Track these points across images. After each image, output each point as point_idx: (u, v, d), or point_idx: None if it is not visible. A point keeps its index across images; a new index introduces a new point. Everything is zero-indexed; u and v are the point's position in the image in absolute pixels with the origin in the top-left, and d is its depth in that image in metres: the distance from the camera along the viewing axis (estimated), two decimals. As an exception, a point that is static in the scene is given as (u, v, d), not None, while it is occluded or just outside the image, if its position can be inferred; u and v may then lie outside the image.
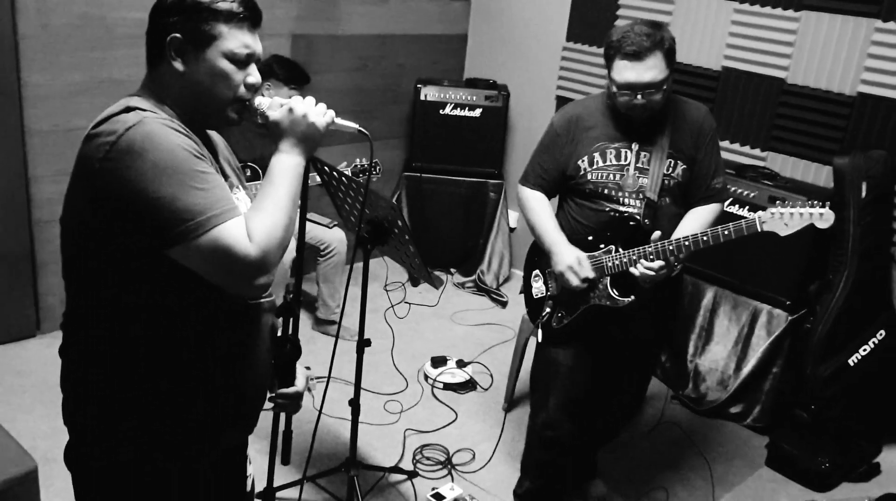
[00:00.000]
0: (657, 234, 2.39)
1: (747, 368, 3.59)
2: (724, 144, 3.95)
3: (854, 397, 3.35)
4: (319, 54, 4.47)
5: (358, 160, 3.84)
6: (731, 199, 3.56)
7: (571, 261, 2.51)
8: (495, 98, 4.72)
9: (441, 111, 4.73)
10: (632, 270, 2.41)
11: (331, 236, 3.99)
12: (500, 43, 4.99)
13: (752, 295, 3.61)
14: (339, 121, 1.62)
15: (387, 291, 4.70)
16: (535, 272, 2.75)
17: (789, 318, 3.48)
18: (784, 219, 2.26)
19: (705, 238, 2.34)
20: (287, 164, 1.52)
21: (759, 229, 2.29)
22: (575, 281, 2.50)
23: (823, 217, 2.23)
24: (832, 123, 3.56)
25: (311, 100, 1.59)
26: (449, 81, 4.89)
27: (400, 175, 4.94)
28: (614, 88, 2.40)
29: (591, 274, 2.49)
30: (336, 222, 4.02)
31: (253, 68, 1.55)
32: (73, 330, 1.56)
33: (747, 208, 3.54)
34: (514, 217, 5.01)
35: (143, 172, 1.34)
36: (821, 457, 3.23)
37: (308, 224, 3.96)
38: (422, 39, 4.96)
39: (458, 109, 4.73)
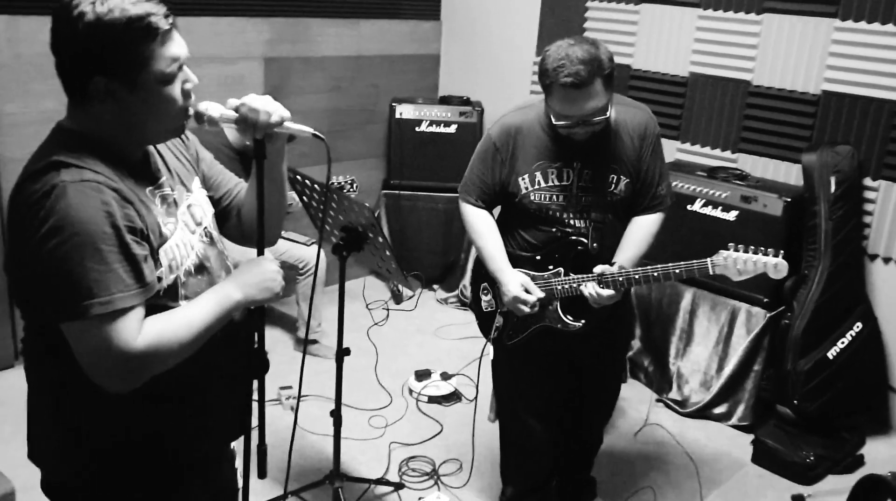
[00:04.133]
0: (605, 268, 2.34)
1: (729, 367, 3.61)
2: (695, 148, 4.01)
3: (836, 390, 3.37)
4: (293, 77, 4.51)
5: (335, 178, 3.85)
6: (703, 200, 3.61)
7: (517, 291, 2.41)
8: (470, 114, 4.77)
9: (417, 129, 4.77)
10: (582, 288, 2.36)
11: (309, 254, 3.99)
12: (472, 61, 5.06)
13: (729, 295, 3.63)
14: (290, 125, 1.59)
15: (369, 309, 4.70)
16: (483, 285, 2.66)
17: (767, 315, 3.51)
18: (737, 265, 2.21)
19: (655, 274, 2.29)
20: (228, 296, 1.51)
21: (711, 272, 2.25)
22: (525, 309, 2.42)
23: (777, 268, 2.17)
24: (799, 121, 3.62)
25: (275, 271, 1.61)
26: (423, 98, 4.94)
27: (379, 194, 4.97)
28: (553, 118, 2.29)
29: (540, 295, 2.43)
30: (314, 240, 4.03)
31: (186, 71, 1.46)
32: (27, 358, 1.56)
33: (720, 208, 3.58)
34: (493, 232, 5.03)
35: (49, 245, 1.30)
36: (805, 451, 3.24)
37: (286, 243, 4.01)
38: (395, 60, 5.01)
39: (434, 125, 4.77)
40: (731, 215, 3.55)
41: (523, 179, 2.43)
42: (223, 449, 1.83)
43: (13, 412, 3.39)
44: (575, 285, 2.39)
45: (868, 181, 3.46)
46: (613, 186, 2.42)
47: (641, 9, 4.10)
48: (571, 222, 2.43)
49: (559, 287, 2.43)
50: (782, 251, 2.20)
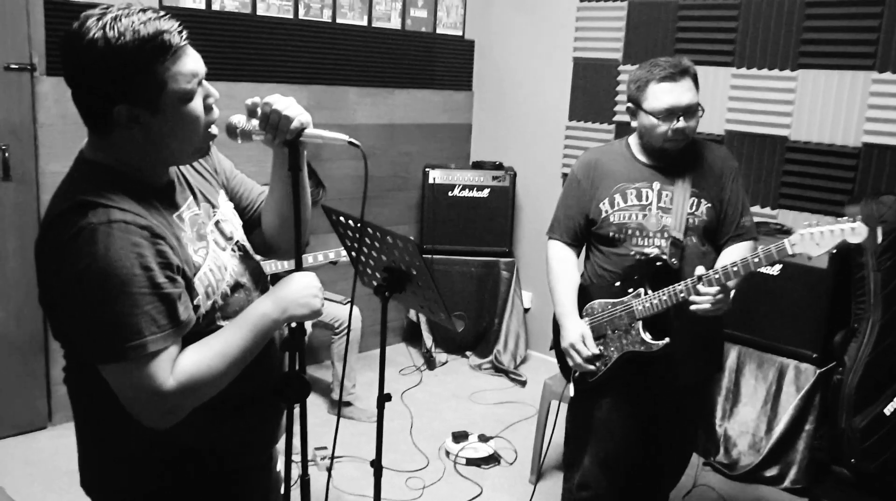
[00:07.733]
0: (700, 269, 2.31)
1: (779, 428, 3.46)
2: (734, 205, 3.97)
3: (895, 449, 3.21)
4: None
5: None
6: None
7: (574, 339, 2.46)
8: (502, 178, 4.79)
9: (449, 193, 4.79)
10: (692, 298, 2.31)
11: (345, 313, 3.94)
12: (504, 129, 5.12)
13: (776, 351, 3.51)
14: (311, 131, 1.56)
15: (411, 371, 4.64)
16: None
17: (818, 371, 3.38)
18: (815, 239, 2.16)
19: (735, 268, 2.25)
20: (264, 316, 1.46)
21: (790, 252, 2.21)
22: (577, 360, 2.46)
23: (856, 231, 2.12)
24: (839, 175, 3.58)
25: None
26: (456, 164, 4.98)
27: (412, 260, 4.95)
28: (651, 119, 2.38)
29: (595, 351, 2.45)
30: (349, 299, 3.99)
31: (206, 86, 1.42)
32: (70, 388, 1.53)
33: (763, 262, 3.50)
34: (528, 297, 4.98)
35: (80, 290, 1.29)
36: (867, 513, 3.07)
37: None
38: (428, 128, 5.09)
39: (467, 190, 4.79)
40: (775, 270, 3.48)
41: (604, 203, 2.51)
42: (266, 457, 1.76)
43: (42, 471, 3.33)
44: (655, 301, 2.38)
45: (915, 232, 3.39)
46: (694, 208, 2.46)
47: (674, 71, 4.14)
48: (650, 241, 2.46)
49: (639, 307, 2.42)
50: (860, 218, 2.14)
